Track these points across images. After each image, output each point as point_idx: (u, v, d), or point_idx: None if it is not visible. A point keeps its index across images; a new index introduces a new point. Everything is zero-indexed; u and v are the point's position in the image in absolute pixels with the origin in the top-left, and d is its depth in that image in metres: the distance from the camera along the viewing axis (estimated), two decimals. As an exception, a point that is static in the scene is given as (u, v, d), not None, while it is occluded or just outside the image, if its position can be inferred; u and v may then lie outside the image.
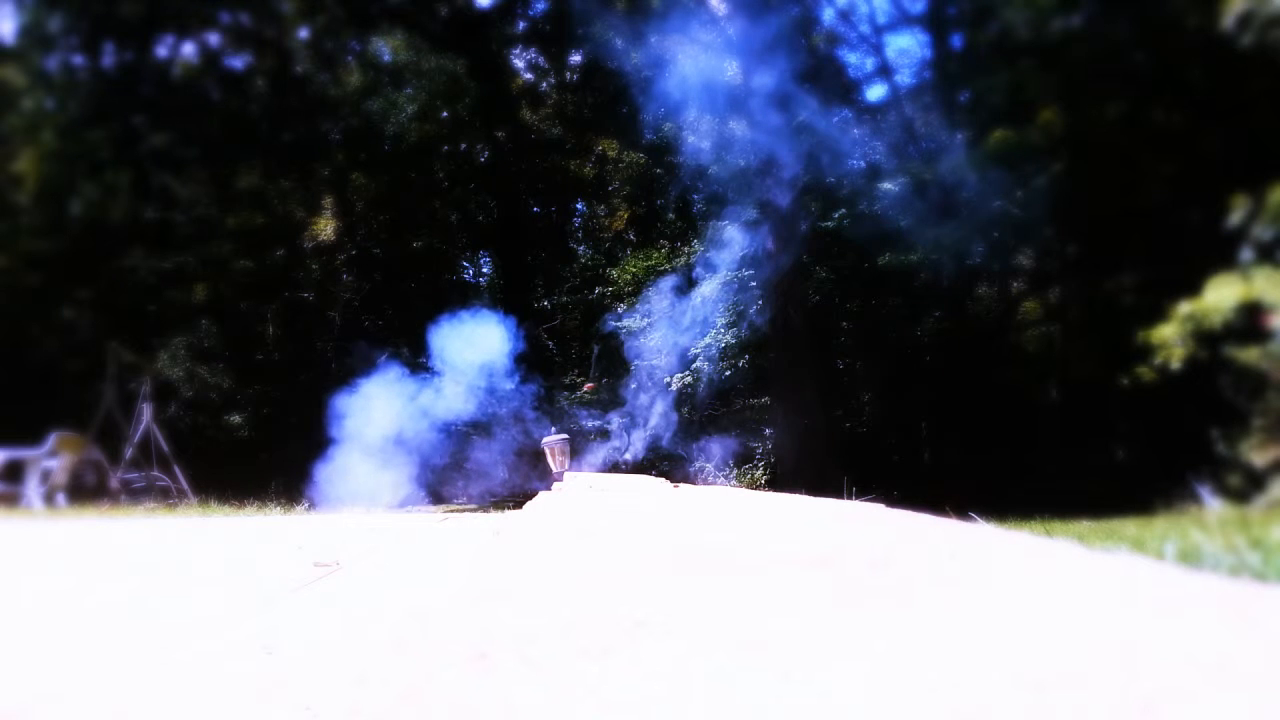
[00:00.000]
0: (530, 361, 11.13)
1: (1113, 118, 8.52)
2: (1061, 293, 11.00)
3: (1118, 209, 8.55)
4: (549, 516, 3.44)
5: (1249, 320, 5.93)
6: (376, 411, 10.14)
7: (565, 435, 7.24)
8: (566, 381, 12.99)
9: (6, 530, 5.23)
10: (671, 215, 14.54)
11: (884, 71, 12.33)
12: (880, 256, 11.33)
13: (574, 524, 2.83)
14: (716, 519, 2.65)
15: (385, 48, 15.14)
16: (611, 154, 15.34)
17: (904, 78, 12.59)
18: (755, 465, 12.00)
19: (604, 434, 11.76)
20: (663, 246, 13.31)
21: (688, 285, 11.52)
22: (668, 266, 12.19)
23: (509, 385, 10.74)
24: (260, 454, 12.37)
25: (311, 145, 14.41)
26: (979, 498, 4.90)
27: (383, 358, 11.09)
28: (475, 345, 10.32)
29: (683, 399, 11.41)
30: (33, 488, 8.68)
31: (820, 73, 10.94)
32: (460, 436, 11.36)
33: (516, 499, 9.92)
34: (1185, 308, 6.43)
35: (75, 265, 12.04)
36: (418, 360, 11.06)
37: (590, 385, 12.36)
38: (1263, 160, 6.31)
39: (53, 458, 9.03)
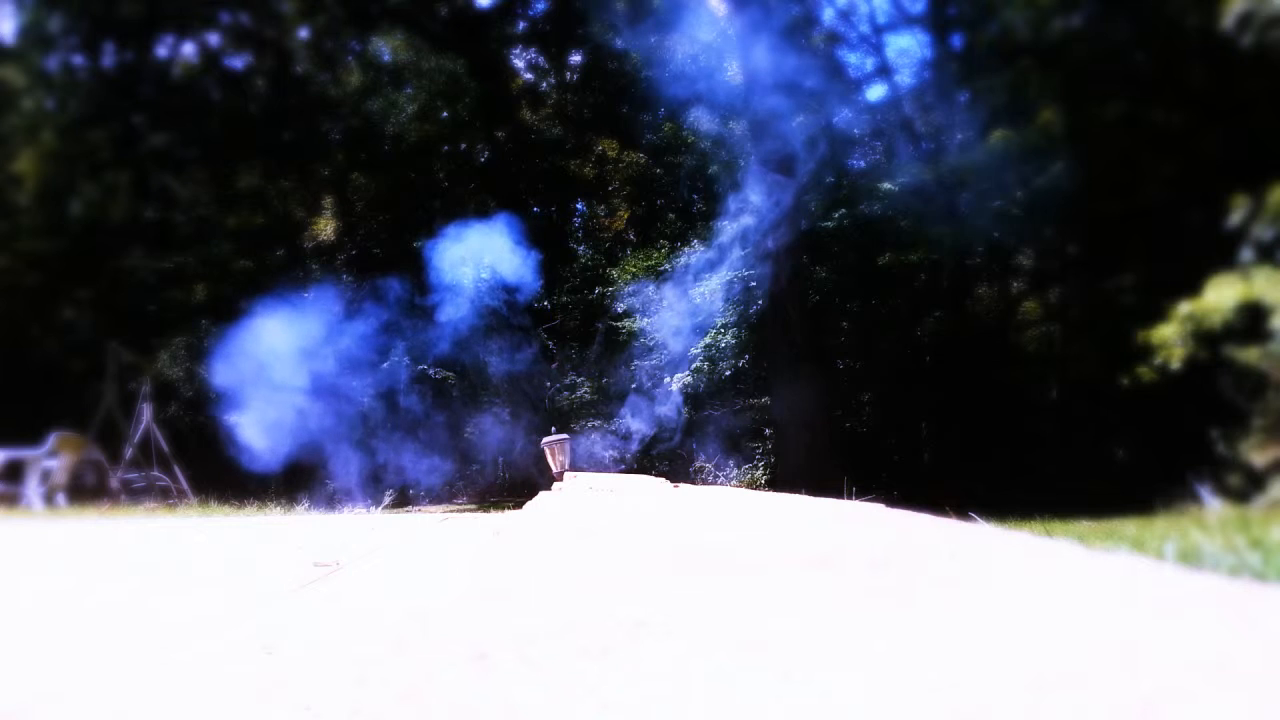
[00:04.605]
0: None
1: (1113, 118, 8.52)
2: (1061, 293, 11.00)
3: (1118, 209, 8.55)
4: (549, 516, 3.44)
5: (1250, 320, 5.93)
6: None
7: (565, 435, 7.24)
8: (566, 382, 12.99)
9: (6, 530, 5.23)
10: (672, 215, 14.53)
11: (884, 71, 12.32)
12: (880, 256, 11.33)
13: (574, 524, 2.83)
14: (716, 519, 2.65)
15: (385, 48, 15.13)
16: (611, 154, 15.33)
17: (904, 78, 12.59)
18: (755, 465, 12.00)
19: (604, 433, 11.76)
20: (663, 246, 13.30)
21: (688, 285, 11.52)
22: (668, 266, 12.18)
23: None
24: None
25: (311, 145, 14.40)
26: (979, 498, 4.91)
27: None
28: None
29: (683, 399, 11.41)
30: (33, 488, 8.68)
31: (820, 70, 10.93)
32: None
33: (517, 499, 9.92)
34: (1185, 308, 6.42)
35: (75, 265, 12.03)
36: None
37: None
38: (1263, 160, 6.30)
39: (53, 458, 9.03)
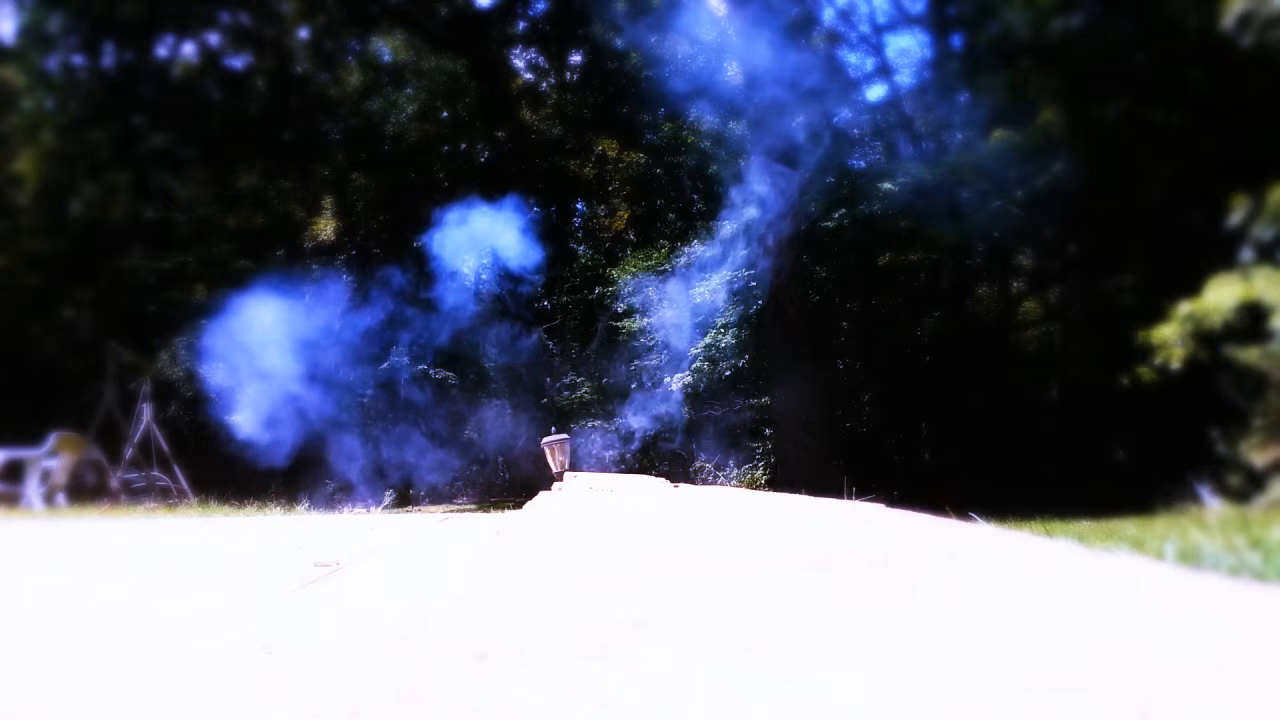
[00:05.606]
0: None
1: (1113, 118, 8.51)
2: (1061, 293, 10.99)
3: (1118, 209, 8.54)
4: (549, 517, 3.44)
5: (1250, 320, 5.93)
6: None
7: (565, 435, 7.23)
8: (566, 382, 12.99)
9: (6, 530, 5.23)
10: (672, 215, 14.54)
11: (884, 71, 12.31)
12: (880, 256, 11.33)
13: (574, 524, 2.83)
14: (716, 519, 2.65)
15: (385, 48, 15.14)
16: (611, 154, 15.33)
17: (904, 78, 12.59)
18: (755, 465, 12.00)
19: (604, 433, 11.76)
20: (663, 246, 13.31)
21: (688, 284, 11.52)
22: (668, 266, 12.19)
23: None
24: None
25: (311, 145, 14.39)
26: (979, 498, 4.90)
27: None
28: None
29: (683, 399, 11.41)
30: (33, 488, 8.67)
31: (820, 70, 10.93)
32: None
33: (517, 499, 9.92)
34: (1185, 308, 6.42)
35: (75, 265, 12.03)
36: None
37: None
38: (1263, 160, 6.30)
39: (53, 458, 9.03)
